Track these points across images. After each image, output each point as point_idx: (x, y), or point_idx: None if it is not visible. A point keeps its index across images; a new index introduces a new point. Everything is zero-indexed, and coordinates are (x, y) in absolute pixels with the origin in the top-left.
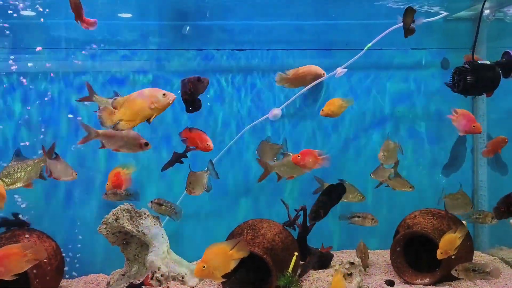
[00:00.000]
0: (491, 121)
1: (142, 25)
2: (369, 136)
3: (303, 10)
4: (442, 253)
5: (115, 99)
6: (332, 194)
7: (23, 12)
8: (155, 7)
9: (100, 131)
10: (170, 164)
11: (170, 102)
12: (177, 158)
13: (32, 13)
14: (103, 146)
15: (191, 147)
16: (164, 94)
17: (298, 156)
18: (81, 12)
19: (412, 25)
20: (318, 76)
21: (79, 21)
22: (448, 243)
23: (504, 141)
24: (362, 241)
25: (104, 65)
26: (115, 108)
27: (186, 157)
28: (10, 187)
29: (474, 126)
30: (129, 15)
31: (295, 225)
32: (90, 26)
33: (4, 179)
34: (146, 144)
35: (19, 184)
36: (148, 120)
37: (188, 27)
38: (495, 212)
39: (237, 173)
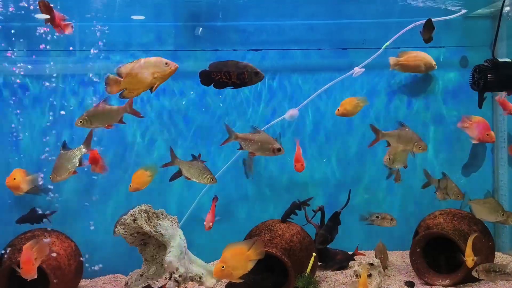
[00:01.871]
0: (511, 120)
1: (157, 26)
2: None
3: (318, 9)
4: (472, 259)
5: (119, 67)
6: (337, 220)
7: None
8: (170, 9)
9: (240, 134)
10: (178, 175)
11: (173, 71)
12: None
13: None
14: (241, 148)
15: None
16: (166, 63)
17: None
18: (53, 15)
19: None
20: (430, 67)
21: (50, 24)
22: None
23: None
24: (381, 242)
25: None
26: (119, 76)
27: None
28: (93, 126)
29: (488, 135)
30: (142, 17)
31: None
32: (65, 29)
33: (91, 119)
34: (279, 149)
35: (100, 126)
36: (151, 89)
37: (200, 28)
38: None
39: (254, 175)
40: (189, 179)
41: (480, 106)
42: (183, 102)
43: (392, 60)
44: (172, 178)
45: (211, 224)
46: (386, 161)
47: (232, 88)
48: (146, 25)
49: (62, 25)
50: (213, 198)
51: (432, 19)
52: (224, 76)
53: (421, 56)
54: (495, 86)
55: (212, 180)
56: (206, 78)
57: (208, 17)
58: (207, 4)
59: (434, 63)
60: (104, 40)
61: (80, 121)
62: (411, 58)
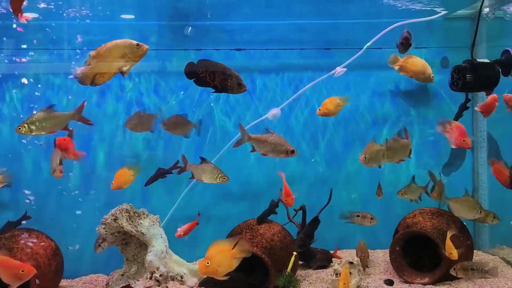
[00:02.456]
0: (491, 120)
1: (141, 25)
2: (366, 137)
3: (302, 9)
4: (451, 253)
5: (89, 55)
6: (316, 224)
7: None
8: (153, 8)
9: (253, 136)
10: (153, 179)
11: (144, 52)
12: (161, 174)
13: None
14: (253, 150)
15: (178, 165)
16: (137, 45)
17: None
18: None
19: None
20: (428, 79)
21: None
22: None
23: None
24: (363, 241)
25: None
26: (88, 64)
27: (171, 173)
28: (34, 133)
29: (464, 141)
30: (132, 17)
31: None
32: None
33: (30, 125)
34: (293, 152)
35: (42, 133)
36: (123, 72)
37: (190, 28)
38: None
39: (236, 175)
40: (202, 181)
41: (456, 119)
42: (173, 102)
43: (392, 58)
44: (148, 183)
45: (182, 234)
46: (362, 160)
47: (212, 92)
48: (129, 24)
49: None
50: (198, 214)
51: (413, 20)
52: (208, 76)
53: (422, 65)
54: (474, 87)
55: (224, 178)
56: (192, 71)
57: (192, 17)
58: (191, 4)
59: (432, 75)
60: (81, 39)
61: (20, 128)
62: (411, 64)
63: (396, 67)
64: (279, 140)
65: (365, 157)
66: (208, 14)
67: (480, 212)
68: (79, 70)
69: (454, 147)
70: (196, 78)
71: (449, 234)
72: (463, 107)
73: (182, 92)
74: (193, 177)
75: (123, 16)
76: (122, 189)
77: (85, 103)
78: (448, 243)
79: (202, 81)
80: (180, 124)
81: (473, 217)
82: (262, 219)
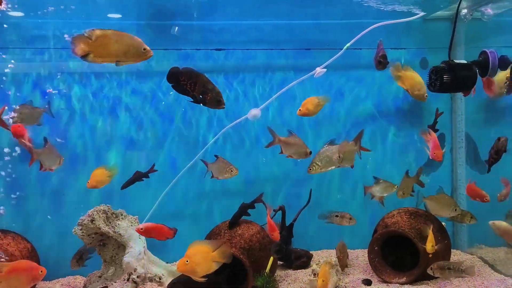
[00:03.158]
0: (469, 120)
1: (120, 24)
2: (350, 136)
3: (282, 9)
4: (432, 245)
5: (93, 29)
6: (291, 231)
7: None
8: (133, 6)
9: (282, 138)
10: (130, 182)
11: (146, 58)
12: (138, 177)
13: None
14: (282, 152)
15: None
16: (144, 49)
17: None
18: None
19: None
20: (421, 96)
21: None
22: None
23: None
24: (342, 241)
25: (76, 65)
26: (89, 38)
27: (148, 177)
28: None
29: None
30: (119, 16)
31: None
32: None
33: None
34: (310, 153)
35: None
36: (117, 62)
37: (176, 28)
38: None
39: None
40: (218, 178)
41: (432, 128)
42: (163, 103)
43: (394, 67)
44: (124, 186)
45: (142, 229)
46: (335, 160)
47: (190, 101)
48: (108, 23)
49: None
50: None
51: (392, 21)
52: (189, 85)
53: (419, 82)
54: (451, 87)
55: (232, 171)
56: (174, 76)
57: (172, 16)
58: (171, 3)
59: (426, 95)
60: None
61: None
62: (409, 77)
63: (395, 77)
64: (299, 141)
65: (339, 156)
66: (192, 13)
67: (455, 210)
68: (78, 38)
69: (431, 157)
70: (177, 83)
71: (430, 229)
72: (437, 115)
73: (171, 93)
74: (213, 176)
75: (110, 15)
76: (98, 188)
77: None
78: (431, 237)
79: (182, 88)
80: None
81: (449, 215)
82: (233, 223)
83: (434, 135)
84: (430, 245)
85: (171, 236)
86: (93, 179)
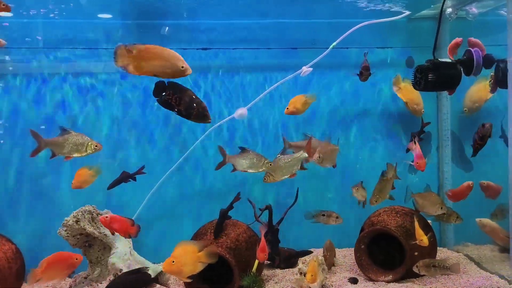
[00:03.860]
0: (455, 119)
1: (104, 23)
2: (335, 135)
3: (268, 8)
4: (422, 240)
5: (135, 44)
6: (277, 236)
7: None
8: (117, 6)
9: (234, 156)
10: (117, 183)
11: (183, 75)
12: (125, 178)
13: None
14: (234, 170)
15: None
16: (182, 67)
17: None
18: None
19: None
20: (418, 111)
21: None
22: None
23: (469, 187)
24: (329, 240)
25: (62, 66)
26: (130, 50)
27: (135, 179)
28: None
29: (417, 163)
30: (109, 16)
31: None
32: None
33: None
34: (269, 163)
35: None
36: (156, 76)
37: (167, 28)
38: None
39: (202, 174)
40: (246, 171)
41: (418, 134)
42: (155, 104)
43: (396, 79)
44: (110, 186)
45: (107, 218)
46: (316, 160)
47: (175, 113)
48: (93, 22)
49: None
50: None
51: (378, 21)
52: (174, 100)
53: (418, 97)
54: (436, 86)
55: (269, 164)
56: (159, 91)
57: (158, 15)
58: (158, 2)
59: (422, 110)
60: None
61: None
62: (410, 90)
63: (395, 88)
64: (255, 155)
65: (319, 157)
66: (178, 13)
67: (441, 208)
68: (120, 49)
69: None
70: (161, 98)
71: (417, 222)
72: (424, 125)
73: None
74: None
75: (101, 15)
76: (82, 188)
77: None
78: (418, 230)
79: (167, 102)
80: None
81: (435, 212)
82: (218, 232)
83: (418, 145)
84: (421, 238)
85: (133, 234)
86: (76, 179)
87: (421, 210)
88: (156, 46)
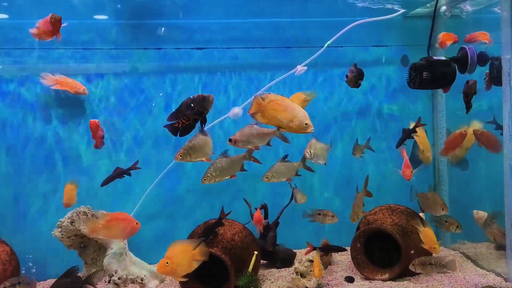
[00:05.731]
0: (450, 117)
1: (97, 23)
2: (328, 134)
3: (263, 7)
4: (435, 247)
5: (267, 93)
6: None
7: None
8: (111, 6)
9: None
10: (111, 179)
11: (306, 132)
12: (119, 174)
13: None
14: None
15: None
16: (306, 124)
17: None
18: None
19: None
20: (426, 159)
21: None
22: (429, 239)
23: (462, 136)
24: (325, 239)
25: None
26: (262, 99)
27: (129, 174)
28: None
29: (404, 172)
30: (105, 17)
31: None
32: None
33: (213, 174)
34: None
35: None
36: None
37: (163, 28)
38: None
39: (198, 173)
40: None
41: (397, 146)
42: (153, 104)
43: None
44: (104, 183)
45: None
46: (308, 155)
47: (201, 127)
48: (86, 22)
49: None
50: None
51: (373, 19)
52: (184, 120)
53: (428, 147)
54: (431, 84)
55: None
56: (173, 130)
57: (151, 15)
58: (151, 2)
59: (430, 159)
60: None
61: None
62: (422, 137)
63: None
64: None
65: (309, 152)
66: (172, 12)
67: (443, 209)
68: (257, 98)
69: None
70: (178, 130)
71: (420, 228)
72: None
73: (161, 94)
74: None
75: (97, 16)
76: (72, 206)
77: None
78: (431, 236)
79: (185, 128)
80: None
81: (437, 213)
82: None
83: (406, 154)
84: (434, 246)
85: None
86: (66, 196)
87: (425, 210)
88: (285, 98)
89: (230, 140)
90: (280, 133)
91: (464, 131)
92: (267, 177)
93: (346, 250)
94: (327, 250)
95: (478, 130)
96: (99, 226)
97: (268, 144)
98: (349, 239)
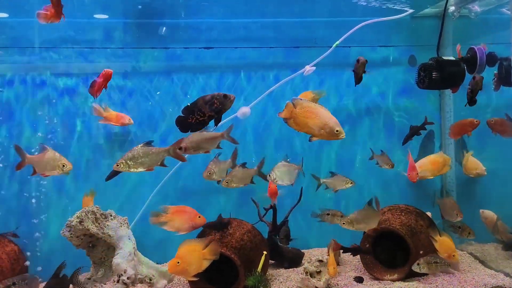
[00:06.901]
0: (458, 117)
1: (105, 23)
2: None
3: (271, 7)
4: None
5: (300, 99)
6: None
7: None
8: (119, 5)
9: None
10: (114, 173)
11: (338, 138)
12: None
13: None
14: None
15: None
16: (337, 130)
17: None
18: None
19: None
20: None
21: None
22: (446, 247)
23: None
24: (334, 239)
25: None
26: (290, 109)
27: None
28: (132, 170)
29: (409, 175)
30: (105, 16)
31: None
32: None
33: (128, 162)
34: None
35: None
36: (310, 138)
37: (164, 28)
38: None
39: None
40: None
41: (404, 143)
42: (150, 103)
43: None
44: (108, 177)
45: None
46: (269, 178)
47: (215, 125)
48: (94, 21)
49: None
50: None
51: (381, 19)
52: (199, 116)
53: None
54: (440, 84)
55: (351, 183)
56: (184, 124)
57: (159, 15)
58: (158, 2)
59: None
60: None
61: None
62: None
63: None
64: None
65: (270, 176)
66: (179, 12)
67: (457, 214)
68: (289, 104)
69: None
70: (189, 125)
71: (437, 237)
72: (426, 122)
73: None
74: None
75: (97, 16)
76: None
77: None
78: (449, 243)
79: (198, 123)
80: None
81: (454, 219)
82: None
83: (411, 157)
84: (454, 254)
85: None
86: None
87: (445, 216)
88: (316, 105)
89: (180, 148)
90: (227, 135)
91: (476, 121)
92: (227, 182)
93: (371, 253)
94: (354, 251)
95: (492, 120)
96: (162, 218)
97: (218, 146)
98: (353, 240)
